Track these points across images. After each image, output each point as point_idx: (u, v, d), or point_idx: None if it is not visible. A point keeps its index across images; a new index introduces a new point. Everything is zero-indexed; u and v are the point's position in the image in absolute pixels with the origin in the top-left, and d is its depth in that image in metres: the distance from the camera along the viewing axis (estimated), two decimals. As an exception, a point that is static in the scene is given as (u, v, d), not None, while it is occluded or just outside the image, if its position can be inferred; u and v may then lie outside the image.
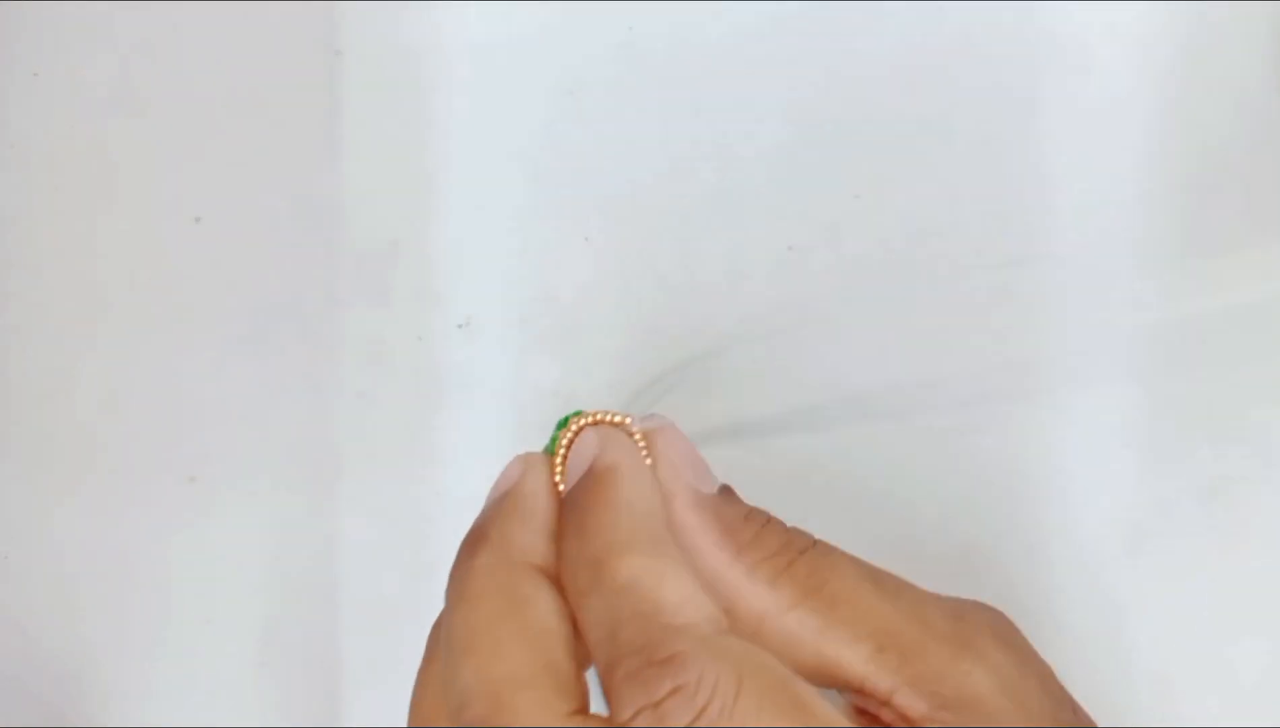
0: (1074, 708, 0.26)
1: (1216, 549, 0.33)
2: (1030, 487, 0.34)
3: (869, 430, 0.34)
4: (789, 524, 0.27)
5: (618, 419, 0.28)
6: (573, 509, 0.26)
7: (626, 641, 0.23)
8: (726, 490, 0.28)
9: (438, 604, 0.33)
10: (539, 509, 0.27)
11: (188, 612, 0.34)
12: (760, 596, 0.26)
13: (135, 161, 0.36)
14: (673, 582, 0.24)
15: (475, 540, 0.26)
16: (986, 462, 0.34)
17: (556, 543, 0.26)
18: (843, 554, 0.27)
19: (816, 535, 0.27)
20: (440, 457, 0.34)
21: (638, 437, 0.28)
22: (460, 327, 0.35)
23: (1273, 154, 0.34)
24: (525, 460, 0.28)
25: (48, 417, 0.35)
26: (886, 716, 0.26)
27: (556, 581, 0.26)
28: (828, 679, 0.26)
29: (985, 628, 0.26)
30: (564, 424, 0.29)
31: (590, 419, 0.28)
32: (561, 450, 0.28)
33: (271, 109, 0.36)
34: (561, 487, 0.28)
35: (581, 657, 0.25)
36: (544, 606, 0.25)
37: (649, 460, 0.28)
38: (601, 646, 0.24)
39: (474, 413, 0.34)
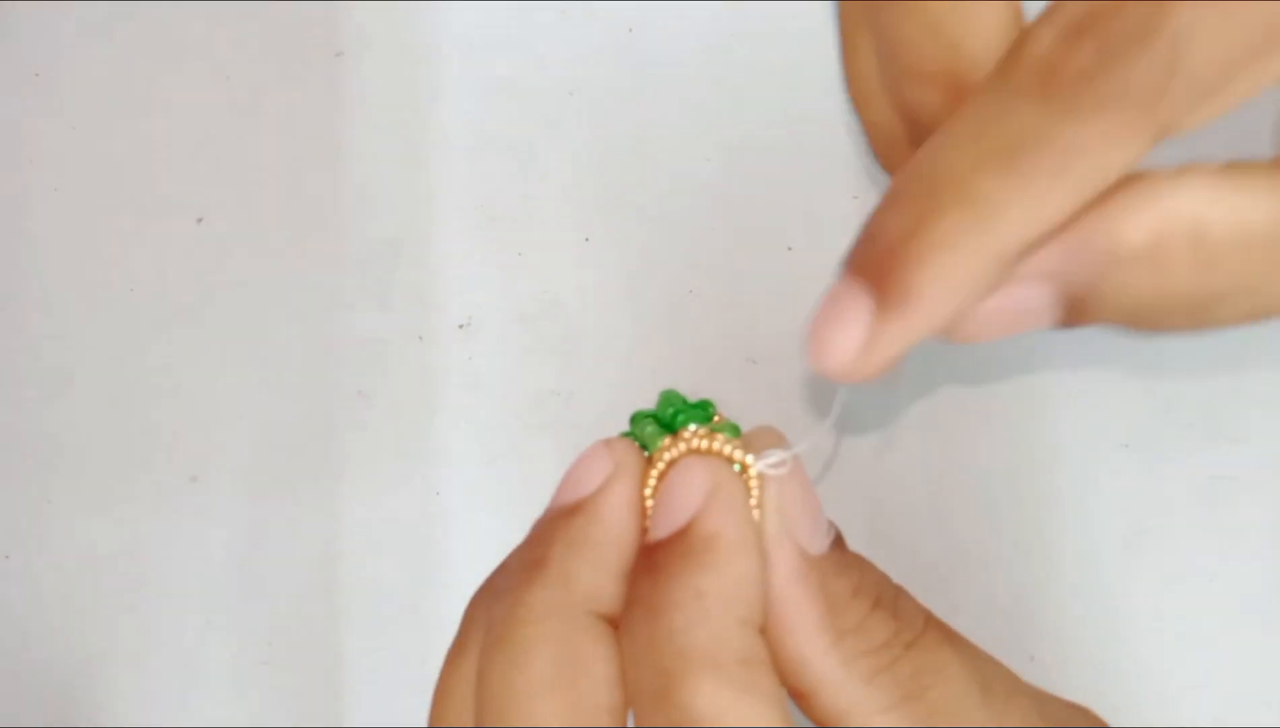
0: None
1: (1216, 549, 0.33)
2: (1030, 487, 0.34)
3: (869, 430, 0.34)
4: (897, 593, 0.24)
5: (737, 455, 0.23)
6: (650, 575, 0.22)
7: None
8: (838, 544, 0.24)
9: (438, 604, 0.33)
10: (616, 541, 0.23)
11: (188, 612, 0.34)
12: (852, 691, 0.23)
13: (136, 161, 0.36)
14: None
15: (534, 565, 0.22)
16: (987, 462, 0.34)
17: (628, 585, 0.22)
18: (953, 649, 0.24)
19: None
20: (440, 457, 0.34)
21: (754, 485, 0.23)
22: (460, 327, 0.35)
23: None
24: (615, 458, 0.23)
25: (48, 417, 0.35)
26: None
27: (617, 623, 0.22)
28: None
29: None
30: (668, 419, 0.24)
31: (704, 442, 0.23)
32: (660, 466, 0.23)
33: (272, 109, 0.36)
34: (650, 510, 0.23)
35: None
36: (600, 673, 0.21)
37: (756, 510, 0.23)
38: None
39: (474, 413, 0.35)
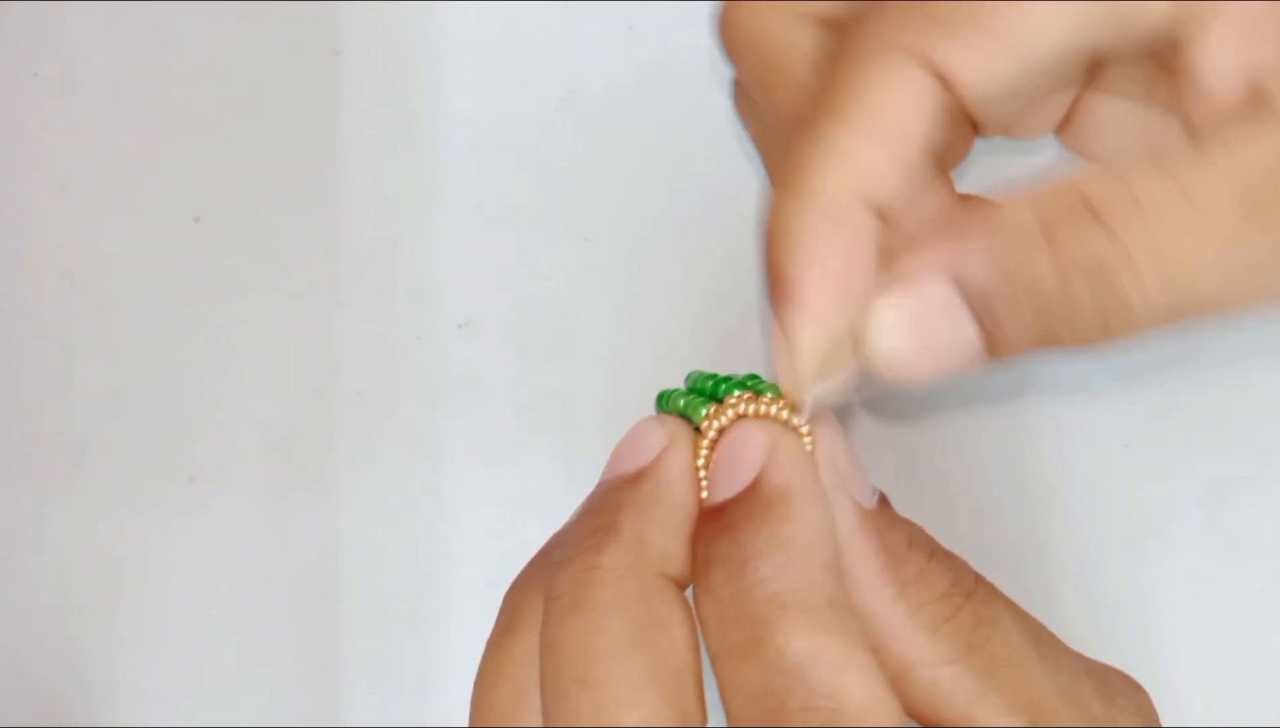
0: None
1: (1217, 550, 0.33)
2: (1031, 487, 0.34)
3: (869, 430, 0.34)
4: (944, 549, 0.24)
5: (786, 416, 0.23)
6: (727, 533, 0.22)
7: None
8: (884, 501, 0.24)
9: (438, 604, 0.33)
10: (681, 503, 0.23)
11: (188, 612, 0.34)
12: (917, 643, 0.23)
13: (135, 161, 0.36)
14: (858, 674, 0.20)
15: (602, 530, 0.22)
16: (987, 462, 0.34)
17: (695, 551, 0.22)
18: (1005, 603, 0.24)
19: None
20: (440, 457, 0.34)
21: (808, 442, 0.23)
22: (460, 327, 0.35)
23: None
24: (668, 430, 0.23)
25: (47, 417, 0.35)
26: None
27: (683, 587, 0.22)
28: None
29: (1137, 717, 0.24)
30: (709, 390, 0.24)
31: (753, 406, 0.23)
32: (711, 434, 0.23)
33: (271, 109, 0.36)
34: (704, 480, 0.23)
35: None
36: (678, 635, 0.21)
37: None
38: (750, 723, 0.20)
39: (473, 413, 0.34)
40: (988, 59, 0.22)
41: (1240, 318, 0.23)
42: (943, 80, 0.22)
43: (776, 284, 0.23)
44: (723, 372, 0.26)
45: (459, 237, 0.35)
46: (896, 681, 0.23)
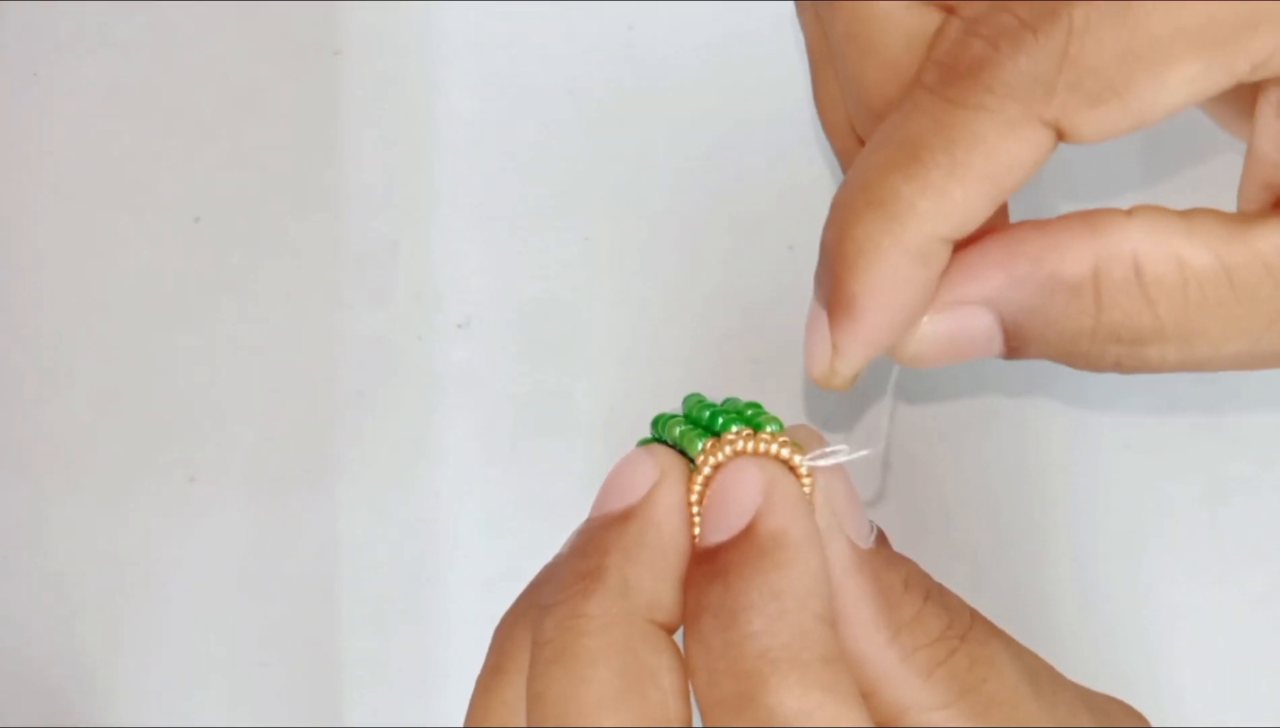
0: None
1: (1217, 550, 0.33)
2: (1031, 487, 0.34)
3: (869, 430, 0.34)
4: (941, 587, 0.24)
5: (786, 455, 0.23)
6: (720, 580, 0.21)
7: None
8: (882, 539, 0.24)
9: (437, 604, 0.33)
10: (671, 546, 0.22)
11: (188, 612, 0.34)
12: (911, 687, 0.22)
13: (135, 161, 0.36)
14: None
15: (589, 575, 0.22)
16: (987, 462, 0.34)
17: (686, 594, 0.22)
18: (1001, 641, 0.24)
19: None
20: (440, 457, 0.34)
21: (806, 483, 0.23)
22: (460, 327, 0.35)
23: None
24: (658, 463, 0.23)
25: (47, 417, 0.35)
26: None
27: (673, 632, 0.22)
28: None
29: None
30: (705, 421, 0.23)
31: (752, 443, 0.22)
32: (705, 472, 0.22)
33: (271, 109, 0.35)
34: (697, 518, 0.22)
35: None
36: (667, 683, 0.21)
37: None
38: None
39: (473, 413, 0.34)
40: (1113, 120, 0.22)
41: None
42: (1060, 134, 0.22)
43: (839, 297, 0.23)
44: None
45: (459, 237, 0.35)
46: (889, 724, 0.23)
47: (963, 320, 0.23)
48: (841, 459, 0.23)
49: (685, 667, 0.21)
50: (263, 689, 0.34)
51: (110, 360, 0.35)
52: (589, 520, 0.23)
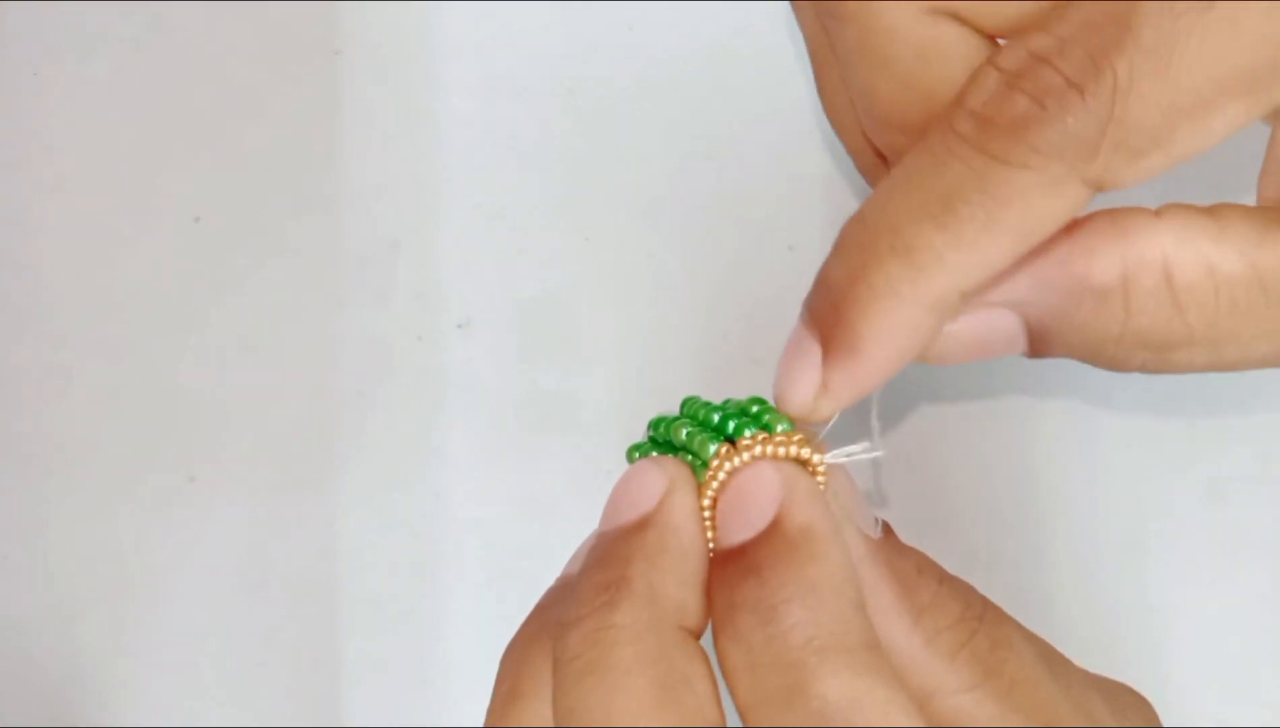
0: None
1: (1216, 549, 0.33)
2: (1031, 487, 0.34)
3: (868, 430, 0.34)
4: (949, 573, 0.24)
5: (806, 455, 0.23)
6: (753, 576, 0.21)
7: None
8: (888, 531, 0.24)
9: (437, 605, 0.33)
10: (691, 550, 0.22)
11: (187, 612, 0.34)
12: (937, 671, 0.23)
13: (135, 161, 0.36)
14: (902, 716, 0.20)
15: (613, 585, 0.21)
16: (986, 462, 0.34)
17: (712, 598, 0.22)
18: (1013, 624, 0.24)
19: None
20: (440, 457, 0.34)
21: (821, 480, 0.23)
22: (460, 327, 0.35)
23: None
24: (666, 473, 0.22)
25: (48, 416, 0.35)
26: None
27: (698, 637, 0.21)
28: None
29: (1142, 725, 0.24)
30: (713, 424, 0.23)
31: (769, 447, 0.22)
32: (719, 477, 0.22)
33: (271, 109, 0.36)
34: (708, 523, 0.22)
35: None
36: (702, 689, 0.21)
37: None
38: None
39: (473, 413, 0.34)
40: (1154, 168, 0.22)
41: None
42: (1098, 187, 0.22)
43: (843, 337, 0.22)
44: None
45: (459, 237, 0.35)
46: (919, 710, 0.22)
47: (988, 322, 0.23)
48: (858, 457, 0.23)
49: (715, 673, 0.21)
50: (263, 689, 0.34)
51: (110, 360, 0.35)
52: (602, 535, 0.23)
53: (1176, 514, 0.33)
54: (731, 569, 0.21)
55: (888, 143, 0.27)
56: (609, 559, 0.22)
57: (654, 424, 0.25)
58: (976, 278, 0.22)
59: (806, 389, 0.23)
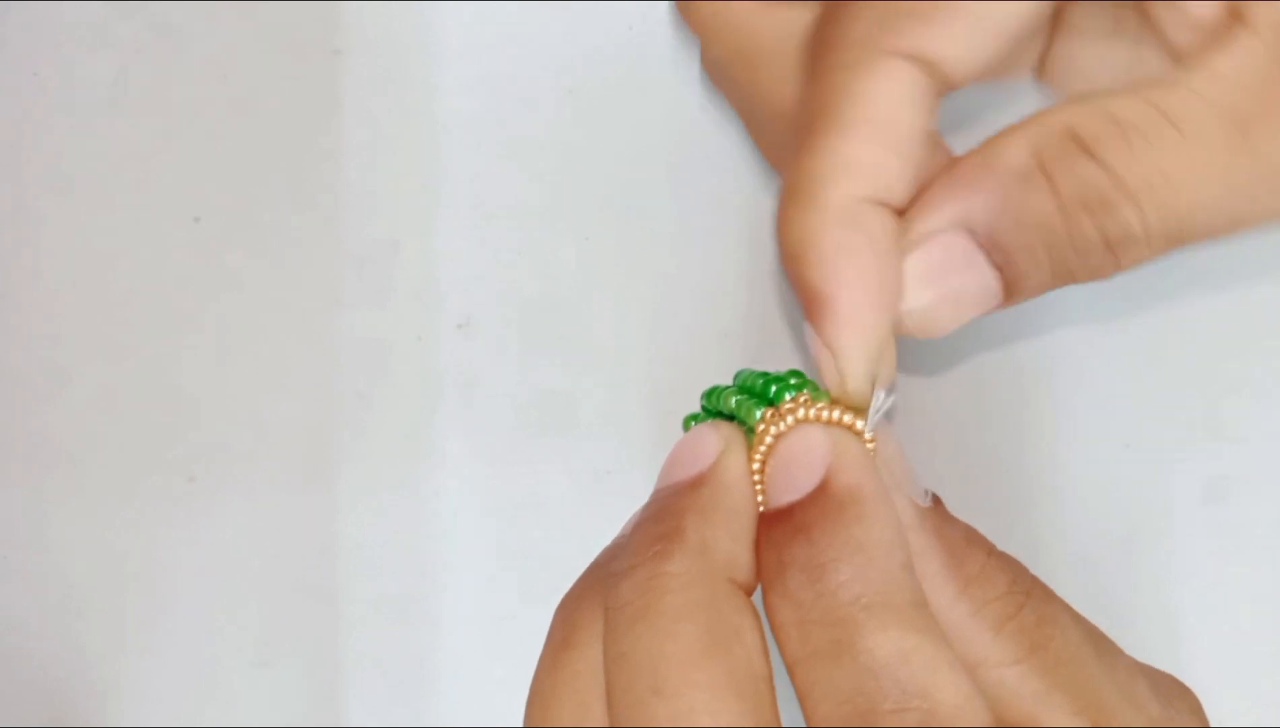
0: None
1: (1216, 549, 0.33)
2: (1030, 487, 0.34)
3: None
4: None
5: (850, 420, 0.23)
6: (801, 535, 0.21)
7: None
8: (938, 502, 0.24)
9: (437, 605, 0.33)
10: (743, 508, 0.22)
11: (187, 612, 0.34)
12: (982, 642, 0.23)
13: (135, 161, 0.36)
14: (949, 673, 0.20)
15: (666, 536, 0.22)
16: (986, 461, 0.34)
17: (762, 557, 0.22)
18: (1061, 602, 0.24)
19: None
20: (440, 457, 0.34)
21: (870, 446, 0.23)
22: (460, 327, 0.35)
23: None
24: (722, 436, 0.23)
25: (47, 417, 0.35)
26: None
27: (749, 593, 0.22)
28: None
29: (1192, 718, 0.25)
30: (758, 394, 0.23)
31: (813, 410, 0.23)
32: (768, 441, 0.23)
33: (271, 109, 0.35)
34: (759, 486, 0.23)
35: None
36: (750, 641, 0.21)
37: None
38: (838, 722, 0.20)
39: (473, 413, 0.34)
40: (967, 39, 0.22)
41: (1244, 236, 0.23)
42: (928, 68, 0.22)
43: (811, 301, 0.23)
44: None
45: (459, 237, 0.35)
46: None
47: (944, 252, 0.23)
48: (883, 409, 0.23)
49: (764, 627, 0.21)
50: (261, 690, 0.34)
51: (110, 360, 0.35)
52: (657, 492, 0.23)
53: (1177, 514, 0.33)
54: (780, 529, 0.22)
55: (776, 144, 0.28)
56: (662, 513, 0.22)
57: (707, 394, 0.25)
58: (864, 179, 0.22)
59: (827, 366, 0.23)
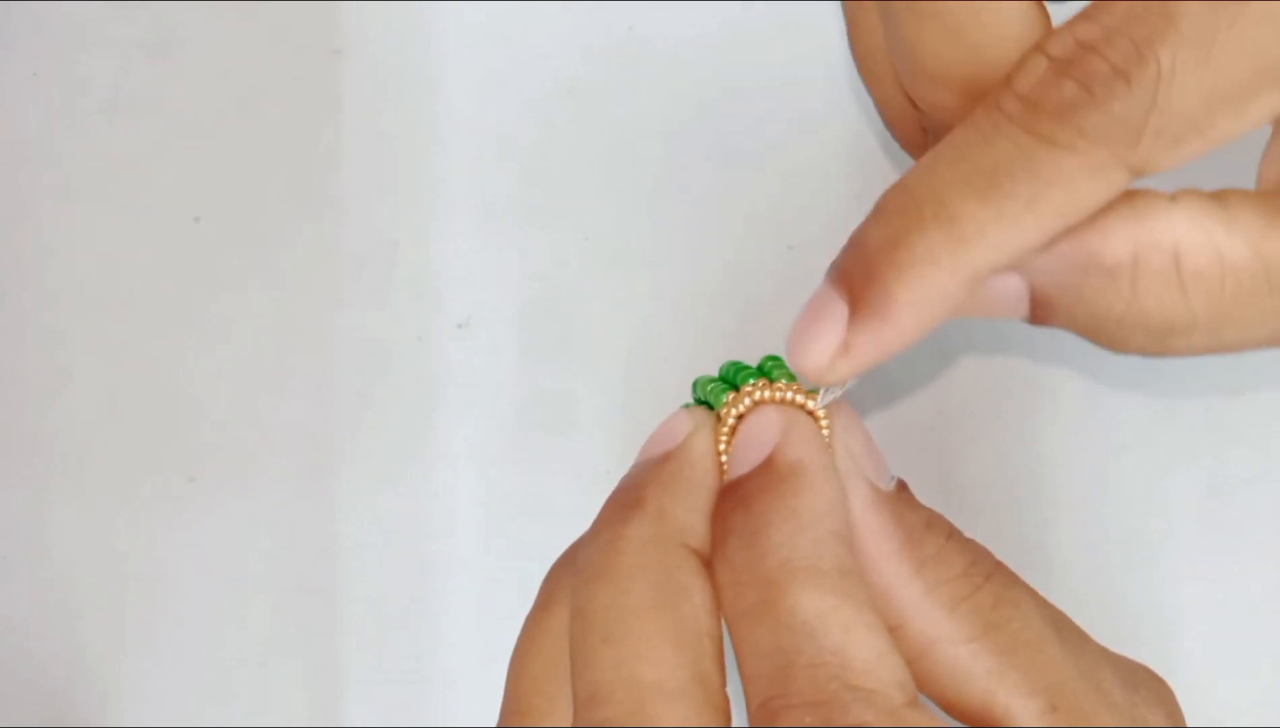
0: None
1: (1217, 551, 0.33)
2: (1031, 487, 0.34)
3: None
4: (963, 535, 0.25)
5: (801, 400, 0.25)
6: (742, 505, 0.23)
7: (798, 690, 0.21)
8: (903, 487, 0.25)
9: (436, 605, 0.33)
10: (703, 482, 0.24)
11: (187, 612, 0.34)
12: (936, 621, 0.24)
13: (135, 161, 0.36)
14: (864, 634, 0.22)
15: (628, 504, 0.24)
16: (987, 463, 0.34)
17: (713, 527, 0.24)
18: (1025, 588, 0.25)
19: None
20: (440, 457, 0.34)
21: (823, 425, 0.25)
22: (460, 327, 0.35)
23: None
24: (694, 419, 0.25)
25: (48, 417, 0.35)
26: None
27: (709, 565, 0.23)
28: (985, 723, 0.24)
29: (1158, 707, 0.25)
30: (729, 382, 0.26)
31: (769, 393, 0.25)
32: (730, 421, 0.25)
33: (271, 109, 0.36)
34: (724, 461, 0.25)
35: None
36: (699, 600, 0.23)
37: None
38: (761, 680, 0.22)
39: (473, 413, 0.34)
40: (1191, 153, 0.23)
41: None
42: (1137, 172, 0.23)
43: (875, 298, 0.23)
44: (723, 368, 0.26)
45: (459, 237, 0.35)
46: (918, 659, 0.24)
47: (995, 282, 0.23)
48: (838, 393, 0.25)
49: (713, 587, 0.23)
50: (263, 689, 0.34)
51: (110, 360, 0.35)
52: (631, 468, 0.25)
53: (1177, 515, 0.33)
54: (728, 500, 0.24)
55: (925, 96, 0.27)
56: (629, 485, 0.24)
57: (695, 385, 0.27)
58: (1011, 254, 0.23)
59: (825, 348, 0.23)
